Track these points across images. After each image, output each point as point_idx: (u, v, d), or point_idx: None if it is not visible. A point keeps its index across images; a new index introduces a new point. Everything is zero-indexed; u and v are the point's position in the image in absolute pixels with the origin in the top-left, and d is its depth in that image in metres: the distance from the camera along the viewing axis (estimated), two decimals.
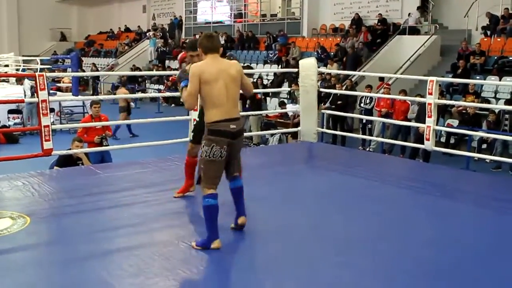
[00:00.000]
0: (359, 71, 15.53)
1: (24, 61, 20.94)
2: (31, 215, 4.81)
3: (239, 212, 4.47)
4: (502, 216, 5.28)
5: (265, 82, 18.33)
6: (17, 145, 12.56)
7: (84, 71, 23.83)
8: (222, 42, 23.31)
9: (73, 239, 4.38)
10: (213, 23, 26.01)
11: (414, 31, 17.46)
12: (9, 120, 14.37)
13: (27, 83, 13.88)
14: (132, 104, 15.23)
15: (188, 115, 7.84)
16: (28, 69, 19.60)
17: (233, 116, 4.15)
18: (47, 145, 6.29)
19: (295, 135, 10.00)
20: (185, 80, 4.31)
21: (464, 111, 12.12)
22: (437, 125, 7.53)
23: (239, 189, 4.44)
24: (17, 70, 20.05)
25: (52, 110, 12.79)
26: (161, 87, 22.37)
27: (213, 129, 4.13)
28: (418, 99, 9.77)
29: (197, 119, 5.43)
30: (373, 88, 13.42)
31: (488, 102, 12.42)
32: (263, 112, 13.36)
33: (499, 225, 5.03)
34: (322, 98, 11.97)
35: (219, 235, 4.14)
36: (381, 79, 14.10)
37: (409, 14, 17.64)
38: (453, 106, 12.42)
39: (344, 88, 13.53)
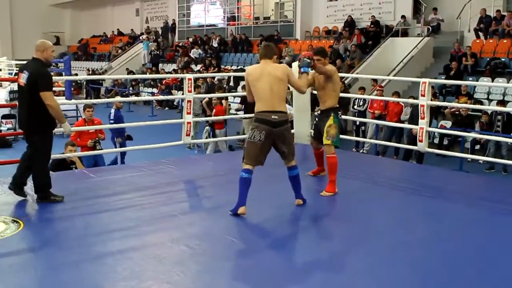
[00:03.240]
0: (352, 73, 15.55)
1: (17, 65, 20.86)
2: (24, 219, 4.80)
3: (296, 195, 5.35)
4: (495, 217, 5.31)
5: None
6: (10, 149, 12.52)
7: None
8: (215, 45, 23.33)
9: (67, 243, 4.37)
10: (206, 26, 26.00)
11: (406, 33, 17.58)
12: (1, 125, 14.34)
13: (9, 87, 13.94)
14: None
15: (181, 118, 7.84)
16: None
17: (276, 109, 5.00)
18: None
19: None
20: (304, 67, 5.40)
21: (457, 113, 12.16)
22: (430, 126, 7.56)
23: (292, 177, 5.26)
24: (10, 74, 19.99)
25: None
26: (155, 90, 22.35)
27: (257, 117, 5.05)
28: (411, 100, 9.79)
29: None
30: (367, 90, 13.43)
31: (481, 103, 12.47)
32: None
33: (492, 226, 5.05)
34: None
35: (245, 203, 4.95)
36: (375, 81, 14.11)
37: (402, 17, 17.70)
38: (446, 107, 12.46)
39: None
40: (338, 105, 6.19)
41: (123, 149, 9.27)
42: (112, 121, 9.80)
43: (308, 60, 5.50)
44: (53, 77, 5.47)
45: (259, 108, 5.06)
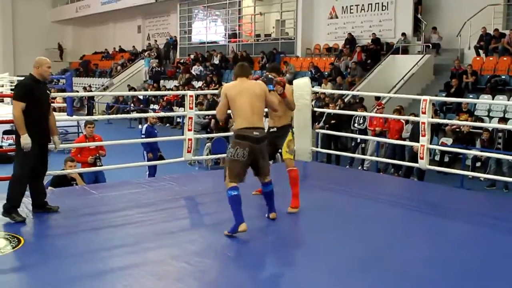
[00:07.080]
0: (353, 90, 15.58)
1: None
2: (24, 235, 4.79)
3: (270, 209, 5.41)
4: (497, 234, 5.29)
5: None
6: (11, 165, 12.49)
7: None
8: (217, 62, 23.42)
9: (67, 260, 4.35)
10: (208, 43, 26.13)
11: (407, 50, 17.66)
12: (2, 141, 14.37)
13: None
14: None
15: (182, 134, 7.85)
16: None
17: (256, 126, 5.01)
18: None
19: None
20: (270, 85, 5.35)
21: (458, 130, 12.17)
22: (431, 143, 7.56)
23: (267, 193, 5.32)
24: (12, 90, 20.05)
25: None
26: (156, 107, 22.38)
27: (238, 134, 5.02)
28: (411, 118, 9.80)
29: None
30: (368, 108, 13.43)
31: (482, 120, 12.48)
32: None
33: (494, 243, 5.03)
34: (316, 118, 12.01)
35: (244, 220, 4.82)
36: (377, 98, 14.12)
37: (402, 34, 17.78)
38: (447, 124, 12.47)
39: (338, 107, 13.52)
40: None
41: (124, 165, 9.19)
42: (143, 136, 9.85)
43: (270, 77, 5.54)
44: (54, 93, 5.51)
45: (239, 124, 5.04)
